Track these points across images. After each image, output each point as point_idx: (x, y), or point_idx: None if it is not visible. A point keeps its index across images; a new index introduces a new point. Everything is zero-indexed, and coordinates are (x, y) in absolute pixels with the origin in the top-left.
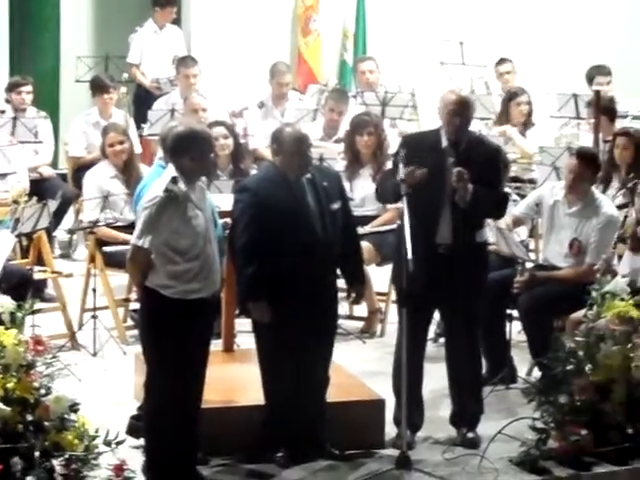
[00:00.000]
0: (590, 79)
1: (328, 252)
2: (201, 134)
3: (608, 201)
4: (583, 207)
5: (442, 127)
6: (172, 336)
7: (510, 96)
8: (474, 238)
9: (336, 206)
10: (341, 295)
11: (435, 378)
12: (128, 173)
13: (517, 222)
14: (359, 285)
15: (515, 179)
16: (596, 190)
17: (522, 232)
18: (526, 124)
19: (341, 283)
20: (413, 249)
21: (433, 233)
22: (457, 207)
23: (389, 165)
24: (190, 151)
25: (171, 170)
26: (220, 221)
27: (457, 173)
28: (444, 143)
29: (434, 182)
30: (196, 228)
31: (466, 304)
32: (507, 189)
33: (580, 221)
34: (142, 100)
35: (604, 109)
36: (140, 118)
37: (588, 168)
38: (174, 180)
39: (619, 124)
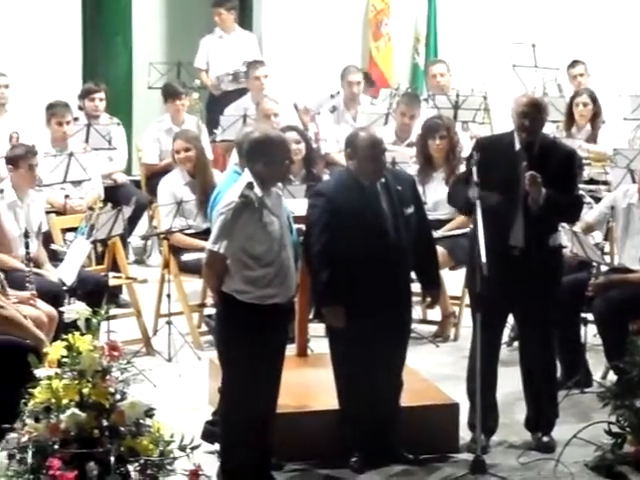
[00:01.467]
0: None
1: (402, 256)
2: (275, 140)
3: None
4: None
5: (515, 130)
6: (247, 341)
7: (572, 97)
8: (547, 242)
9: (410, 210)
10: (414, 299)
11: (509, 382)
12: (198, 179)
13: (589, 229)
14: (435, 289)
15: (589, 181)
16: None
17: (597, 235)
18: (593, 126)
19: (414, 287)
20: (486, 252)
21: (506, 236)
22: (530, 210)
23: (462, 169)
24: (264, 156)
25: (247, 176)
26: (295, 226)
27: (530, 177)
28: (517, 146)
29: (507, 185)
30: (271, 234)
31: (540, 308)
32: (581, 192)
33: None
34: (215, 106)
35: None
36: (213, 124)
37: None
38: (250, 186)
39: None
